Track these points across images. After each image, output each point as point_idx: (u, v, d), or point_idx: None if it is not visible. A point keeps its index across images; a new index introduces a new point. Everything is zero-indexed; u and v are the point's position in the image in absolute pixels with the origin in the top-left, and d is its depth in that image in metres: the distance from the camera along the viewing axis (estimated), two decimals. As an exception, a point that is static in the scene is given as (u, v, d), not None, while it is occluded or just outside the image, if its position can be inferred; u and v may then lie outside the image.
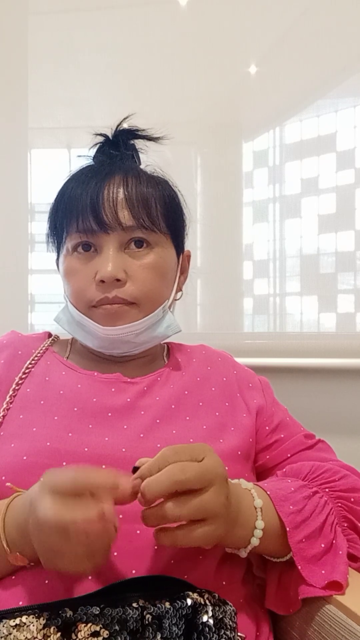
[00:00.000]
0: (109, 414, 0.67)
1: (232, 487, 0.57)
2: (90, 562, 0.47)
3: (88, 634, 0.45)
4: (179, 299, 0.82)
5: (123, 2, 1.29)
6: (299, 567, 0.58)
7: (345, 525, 0.65)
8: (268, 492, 0.61)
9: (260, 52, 1.26)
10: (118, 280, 0.69)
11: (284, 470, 0.70)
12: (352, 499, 0.66)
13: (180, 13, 1.26)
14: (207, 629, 0.48)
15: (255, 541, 0.58)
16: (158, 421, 0.68)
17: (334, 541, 0.61)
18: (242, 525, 0.57)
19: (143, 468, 0.50)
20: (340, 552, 0.61)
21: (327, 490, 0.66)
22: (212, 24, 1.25)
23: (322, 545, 0.60)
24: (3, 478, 0.60)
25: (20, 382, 0.71)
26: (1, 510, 0.55)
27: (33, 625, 0.45)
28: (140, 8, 1.27)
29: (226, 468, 0.65)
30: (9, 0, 1.31)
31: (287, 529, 0.58)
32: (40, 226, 0.83)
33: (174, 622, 0.47)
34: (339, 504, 0.65)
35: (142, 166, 0.80)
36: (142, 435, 0.65)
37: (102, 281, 0.69)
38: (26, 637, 0.45)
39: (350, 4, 1.20)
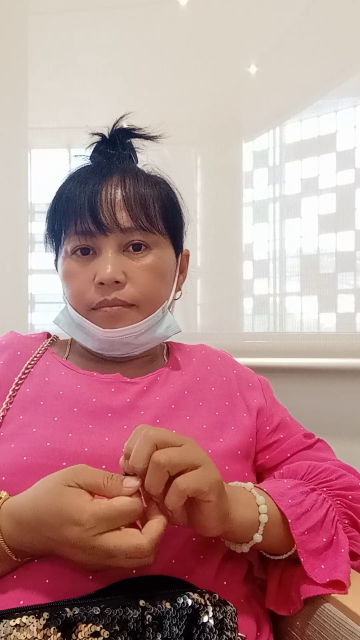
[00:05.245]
0: (109, 414, 0.67)
1: (231, 489, 0.57)
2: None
3: (88, 634, 0.45)
4: (178, 299, 0.82)
5: (123, 2, 1.29)
6: (302, 560, 0.58)
7: (347, 522, 0.65)
8: (265, 489, 0.61)
9: (260, 52, 1.26)
10: (117, 282, 0.69)
11: (281, 471, 0.70)
12: (350, 497, 0.66)
13: (180, 13, 1.26)
14: (207, 629, 0.48)
15: (258, 537, 0.58)
16: (158, 421, 0.68)
17: (334, 537, 0.61)
18: (243, 521, 0.57)
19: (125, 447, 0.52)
20: (343, 550, 0.61)
21: (324, 489, 0.66)
22: (212, 24, 1.25)
23: (324, 540, 0.60)
24: (3, 479, 0.60)
25: (19, 382, 0.71)
26: None
27: (33, 626, 0.45)
28: (140, 8, 1.27)
29: (227, 467, 0.65)
30: (9, 0, 1.31)
31: (289, 520, 0.59)
32: (40, 226, 0.83)
33: (174, 622, 0.47)
34: (338, 502, 0.65)
35: (140, 165, 0.80)
36: (142, 435, 0.65)
37: (101, 283, 0.69)
38: (26, 637, 0.45)
39: (350, 4, 1.20)
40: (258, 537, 0.58)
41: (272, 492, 0.61)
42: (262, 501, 0.59)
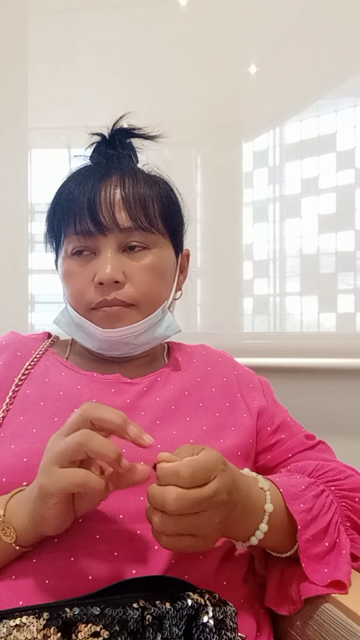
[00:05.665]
0: (109, 415, 0.67)
1: (244, 484, 0.57)
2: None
3: (88, 635, 0.45)
4: (178, 299, 0.82)
5: (123, 2, 1.29)
6: (303, 565, 0.58)
7: (348, 524, 0.65)
8: (281, 490, 0.61)
9: (260, 52, 1.26)
10: (117, 282, 0.69)
11: (289, 468, 0.70)
12: (357, 499, 0.67)
13: (180, 13, 1.26)
14: (207, 629, 0.48)
15: (254, 540, 0.58)
16: (158, 422, 0.68)
17: (337, 540, 0.62)
18: (246, 522, 0.58)
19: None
20: (344, 552, 0.61)
21: (332, 488, 0.66)
22: (212, 24, 1.25)
23: (326, 544, 0.60)
24: (4, 480, 0.60)
25: (19, 383, 0.71)
26: (13, 492, 0.58)
27: (33, 626, 0.45)
28: (140, 8, 1.27)
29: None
30: (9, 0, 1.31)
31: (299, 527, 0.59)
32: (40, 226, 0.83)
33: (174, 622, 0.47)
34: (343, 504, 0.66)
35: (139, 165, 0.80)
36: (141, 435, 0.65)
37: (101, 283, 0.69)
38: (26, 638, 0.45)
39: (350, 4, 1.20)
40: (240, 546, 0.60)
41: (286, 493, 0.61)
42: (264, 529, 0.58)
